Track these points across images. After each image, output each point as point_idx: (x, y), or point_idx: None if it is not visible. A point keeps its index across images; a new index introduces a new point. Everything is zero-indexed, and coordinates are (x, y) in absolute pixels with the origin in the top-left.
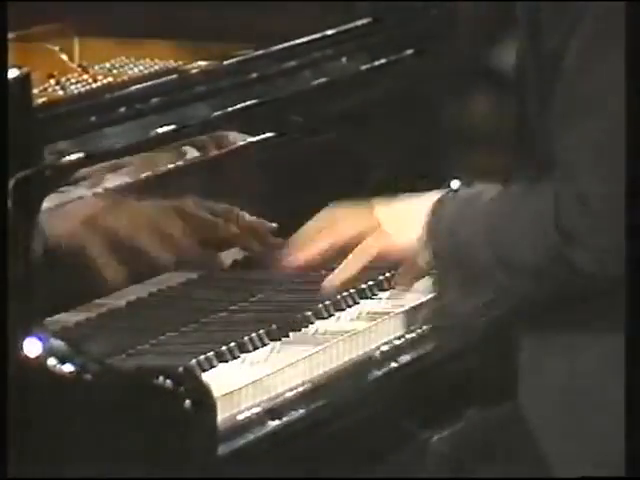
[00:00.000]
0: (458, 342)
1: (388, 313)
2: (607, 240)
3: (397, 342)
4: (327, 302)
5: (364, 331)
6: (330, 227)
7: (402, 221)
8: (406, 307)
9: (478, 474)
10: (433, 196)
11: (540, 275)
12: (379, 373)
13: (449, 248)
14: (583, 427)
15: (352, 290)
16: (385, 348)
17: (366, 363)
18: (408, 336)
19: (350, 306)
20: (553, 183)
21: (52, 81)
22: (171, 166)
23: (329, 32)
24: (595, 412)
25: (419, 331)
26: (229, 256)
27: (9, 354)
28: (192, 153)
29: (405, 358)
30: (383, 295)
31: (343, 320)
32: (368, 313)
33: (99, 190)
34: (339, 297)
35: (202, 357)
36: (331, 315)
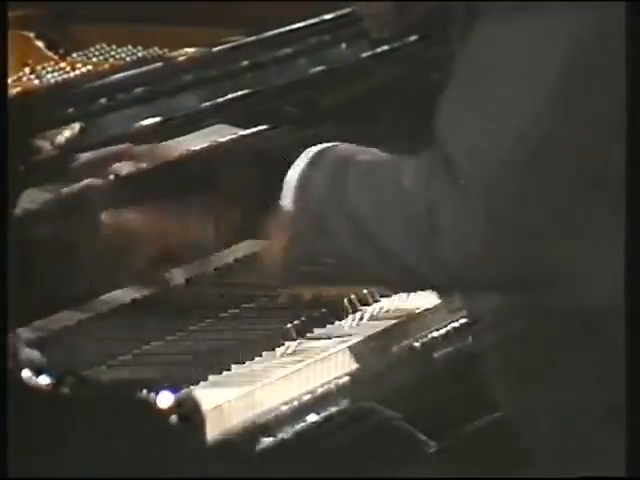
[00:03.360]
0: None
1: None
2: (470, 226)
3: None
4: (324, 310)
5: (363, 342)
6: None
7: None
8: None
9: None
10: None
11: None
12: (378, 387)
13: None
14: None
15: (352, 296)
16: (383, 360)
17: (364, 376)
18: (415, 344)
19: (348, 314)
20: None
21: (27, 70)
22: (159, 161)
23: (327, 17)
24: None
25: (422, 341)
26: (217, 260)
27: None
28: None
29: (407, 369)
30: (385, 302)
31: (340, 330)
32: (368, 321)
33: (78, 186)
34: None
35: (190, 368)
36: (330, 323)
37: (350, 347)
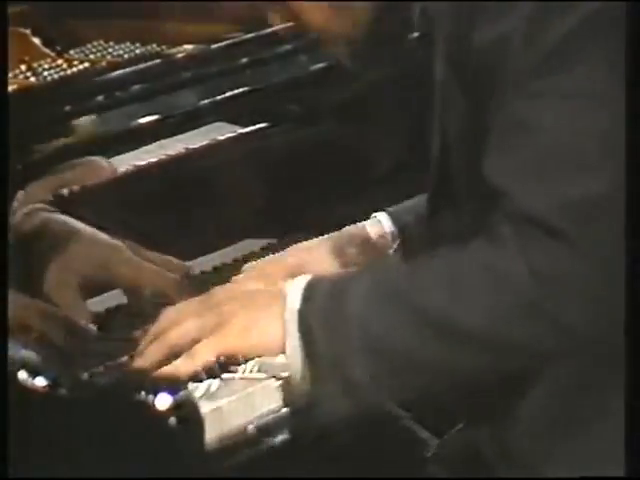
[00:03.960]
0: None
1: None
2: (590, 285)
3: None
4: None
5: None
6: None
7: (253, 312)
8: None
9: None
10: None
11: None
12: None
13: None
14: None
15: None
16: None
17: None
18: None
19: None
20: (488, 225)
21: (23, 67)
22: (152, 160)
23: None
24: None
25: None
26: (214, 260)
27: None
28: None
29: None
30: None
31: None
32: None
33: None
34: None
35: None
36: None
37: None
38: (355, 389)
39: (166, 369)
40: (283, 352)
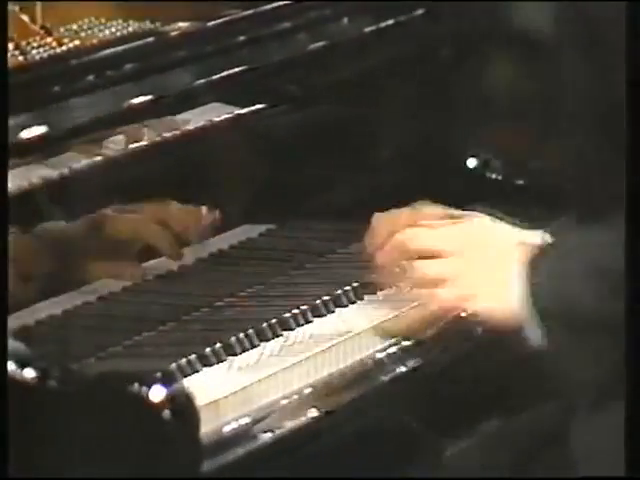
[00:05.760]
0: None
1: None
2: None
3: (406, 343)
4: (326, 298)
5: (368, 330)
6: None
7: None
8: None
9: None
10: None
11: None
12: (385, 378)
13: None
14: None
15: (355, 284)
16: (392, 350)
17: (370, 367)
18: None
19: (353, 302)
20: None
21: (11, 45)
22: (146, 142)
23: None
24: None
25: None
26: (210, 247)
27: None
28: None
29: (414, 361)
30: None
31: (344, 318)
32: (372, 310)
33: (64, 170)
34: (340, 292)
35: (183, 360)
36: (331, 312)
37: (355, 336)
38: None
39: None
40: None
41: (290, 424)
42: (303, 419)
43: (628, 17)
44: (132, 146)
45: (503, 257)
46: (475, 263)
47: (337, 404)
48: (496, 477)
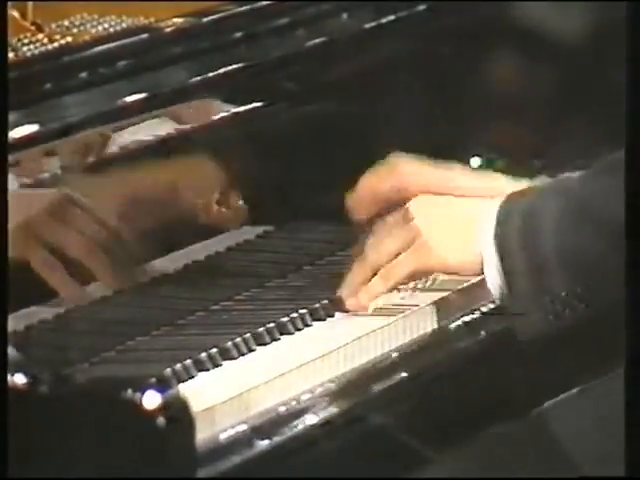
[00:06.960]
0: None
1: (402, 310)
2: None
3: (410, 347)
4: (325, 301)
5: (369, 335)
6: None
7: (449, 230)
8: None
9: None
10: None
11: None
12: (385, 385)
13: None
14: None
15: None
16: (393, 356)
17: (370, 373)
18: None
19: None
20: None
21: None
22: (143, 139)
23: None
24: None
25: (432, 332)
26: (207, 249)
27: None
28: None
29: (414, 368)
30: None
31: (344, 322)
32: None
33: (58, 171)
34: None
35: (178, 365)
36: (330, 316)
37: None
38: (553, 304)
39: (363, 290)
40: (479, 273)
41: (288, 431)
42: (301, 426)
43: (628, 17)
44: (125, 145)
45: (469, 207)
46: (441, 216)
47: (336, 411)
48: (496, 477)
